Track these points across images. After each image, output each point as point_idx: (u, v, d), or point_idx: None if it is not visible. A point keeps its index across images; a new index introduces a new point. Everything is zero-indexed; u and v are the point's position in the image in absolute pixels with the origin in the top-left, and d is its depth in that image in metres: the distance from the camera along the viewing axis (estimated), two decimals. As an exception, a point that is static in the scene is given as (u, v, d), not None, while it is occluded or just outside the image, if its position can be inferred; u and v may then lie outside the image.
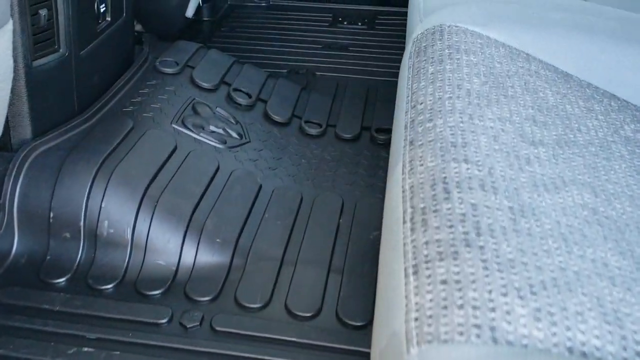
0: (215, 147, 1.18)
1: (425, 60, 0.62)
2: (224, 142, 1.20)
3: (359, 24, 1.89)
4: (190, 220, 1.00)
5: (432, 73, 0.59)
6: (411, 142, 0.50)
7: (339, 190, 1.17)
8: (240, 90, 1.35)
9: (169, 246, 0.98)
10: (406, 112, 0.55)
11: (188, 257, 0.98)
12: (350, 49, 1.75)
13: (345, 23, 1.89)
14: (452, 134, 0.48)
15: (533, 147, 0.49)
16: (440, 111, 0.52)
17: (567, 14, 0.73)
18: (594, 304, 0.35)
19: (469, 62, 0.60)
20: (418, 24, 0.74)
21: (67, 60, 1.05)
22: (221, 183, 1.10)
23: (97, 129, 1.09)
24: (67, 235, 0.98)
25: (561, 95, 0.59)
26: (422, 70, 0.60)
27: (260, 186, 1.13)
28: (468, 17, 0.69)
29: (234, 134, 1.24)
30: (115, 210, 0.98)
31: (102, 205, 0.98)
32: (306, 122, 1.35)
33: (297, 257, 1.00)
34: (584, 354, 0.30)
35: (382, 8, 1.98)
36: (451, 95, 0.54)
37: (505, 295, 0.34)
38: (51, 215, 0.98)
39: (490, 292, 0.34)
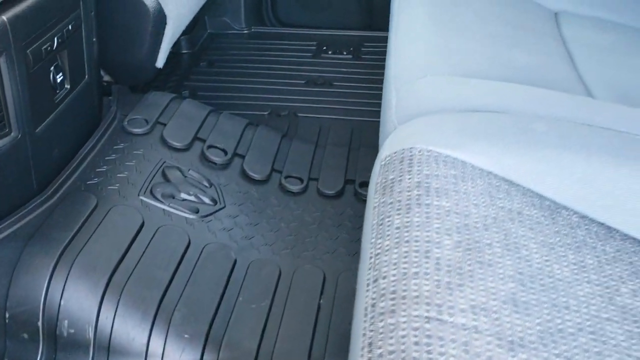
0: (186, 218, 1.11)
1: (391, 204, 0.54)
2: (196, 211, 1.13)
3: (344, 52, 1.81)
4: (156, 313, 0.93)
5: (397, 227, 0.51)
6: (370, 345, 0.43)
7: (319, 262, 1.10)
8: (216, 147, 1.28)
9: (134, 345, 0.92)
10: (368, 284, 0.48)
11: (155, 357, 0.91)
12: (335, 83, 1.67)
13: (329, 52, 1.81)
14: (416, 344, 0.41)
15: (512, 354, 0.42)
16: (404, 298, 0.45)
17: (554, 123, 0.65)
18: None
19: (439, 210, 0.52)
20: (392, 131, 0.67)
21: (21, 141, 0.98)
22: (192, 262, 1.03)
23: (57, 210, 1.02)
24: (25, 336, 0.92)
25: (548, 248, 0.52)
26: (386, 219, 0.53)
27: (235, 261, 1.06)
28: (441, 137, 0.61)
29: (207, 200, 1.16)
30: (75, 308, 0.92)
31: (62, 303, 0.92)
32: (286, 177, 1.28)
33: (274, 348, 0.93)
34: None
35: (367, 33, 1.90)
36: (417, 269, 0.47)
37: None
38: (7, 315, 0.91)
39: None
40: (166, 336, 0.92)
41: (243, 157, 1.29)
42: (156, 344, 0.92)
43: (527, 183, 0.58)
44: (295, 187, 1.26)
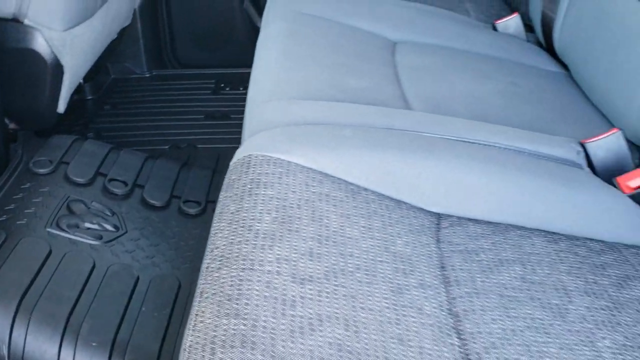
0: (90, 244, 1.23)
1: (230, 197, 0.71)
2: (100, 238, 1.25)
3: (241, 88, 1.98)
4: (65, 326, 1.05)
5: (232, 213, 0.68)
6: (201, 294, 0.59)
7: (215, 271, 1.24)
8: (117, 180, 1.41)
9: (46, 357, 1.03)
10: (205, 256, 0.64)
11: (66, 366, 1.02)
12: (232, 116, 1.84)
13: (227, 89, 1.97)
14: (231, 286, 0.57)
15: (301, 286, 0.59)
16: (228, 259, 0.61)
17: (359, 129, 0.84)
18: None
19: (265, 197, 0.69)
20: (243, 143, 0.84)
21: None
22: (97, 281, 1.15)
23: (-33, 246, 1.12)
24: (-58, 359, 1.01)
25: (345, 218, 0.70)
26: (225, 208, 0.69)
27: (138, 278, 1.19)
28: (273, 145, 0.78)
29: (110, 227, 1.29)
30: (-11, 329, 1.02)
31: (-25, 327, 1.02)
32: (185, 202, 1.42)
33: (174, 348, 1.06)
34: None
35: (261, 70, 2.08)
36: (241, 239, 0.63)
37: None
38: None
39: None
40: (75, 346, 1.04)
41: (143, 186, 1.42)
42: (66, 354, 1.03)
43: (337, 174, 0.76)
44: (193, 210, 1.41)
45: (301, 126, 0.85)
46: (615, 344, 0.61)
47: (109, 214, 1.32)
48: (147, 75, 2.06)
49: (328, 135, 0.82)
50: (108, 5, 1.58)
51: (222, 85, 2.01)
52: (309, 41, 1.18)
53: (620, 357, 0.60)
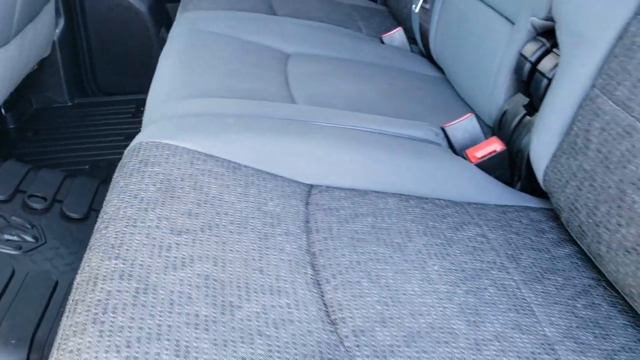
0: (10, 254, 1.29)
1: (120, 175, 0.81)
2: (19, 248, 1.32)
3: (160, 110, 2.07)
4: (-17, 328, 1.10)
5: (121, 186, 0.78)
6: (89, 248, 0.69)
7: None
8: (36, 196, 1.47)
9: (-36, 357, 1.08)
10: (96, 222, 0.74)
11: (-16, 363, 1.08)
12: (151, 136, 1.93)
13: (146, 111, 2.07)
14: (115, 238, 0.67)
15: (177, 236, 0.70)
16: (114, 219, 0.71)
17: (240, 118, 0.97)
18: (172, 348, 0.55)
19: (151, 174, 0.80)
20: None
21: None
22: (17, 286, 1.21)
23: None
24: None
25: (224, 187, 0.81)
26: (115, 185, 0.80)
27: (57, 283, 1.26)
28: (162, 133, 0.90)
29: (30, 238, 1.35)
30: None
31: None
32: (104, 213, 1.50)
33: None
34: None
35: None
36: (127, 204, 0.74)
37: (107, 352, 0.53)
38: None
39: (97, 352, 0.52)
40: (-6, 345, 1.10)
41: (62, 201, 1.49)
42: (-16, 353, 1.09)
43: (219, 154, 0.88)
44: (113, 220, 1.48)
45: (189, 117, 0.96)
46: (442, 268, 0.75)
47: (28, 226, 1.39)
48: (70, 104, 2.13)
49: (212, 124, 0.94)
50: (23, 35, 1.66)
51: (142, 109, 2.10)
52: (207, 53, 1.31)
53: (445, 277, 0.73)
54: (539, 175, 0.93)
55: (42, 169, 1.59)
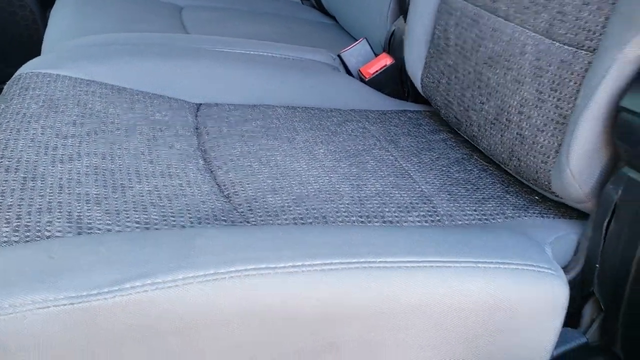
0: None
1: (1, 101, 0.80)
2: None
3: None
4: None
5: (2, 109, 0.77)
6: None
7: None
8: None
9: None
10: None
11: None
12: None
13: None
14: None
15: (63, 139, 0.70)
16: (4, 131, 0.70)
17: (128, 45, 0.98)
18: (64, 217, 0.56)
19: (33, 95, 0.79)
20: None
21: None
22: None
23: None
24: None
25: (109, 103, 0.82)
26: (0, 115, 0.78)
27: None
28: (45, 62, 0.89)
29: None
30: None
31: None
32: None
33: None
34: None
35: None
36: (9, 119, 0.73)
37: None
38: None
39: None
40: None
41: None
42: None
43: (102, 79, 0.88)
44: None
45: (71, 48, 0.96)
46: (328, 151, 0.80)
47: None
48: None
49: (96, 52, 0.94)
50: None
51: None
52: (100, 6, 1.30)
53: (330, 156, 0.79)
54: (418, 84, 1.00)
55: None
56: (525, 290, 0.58)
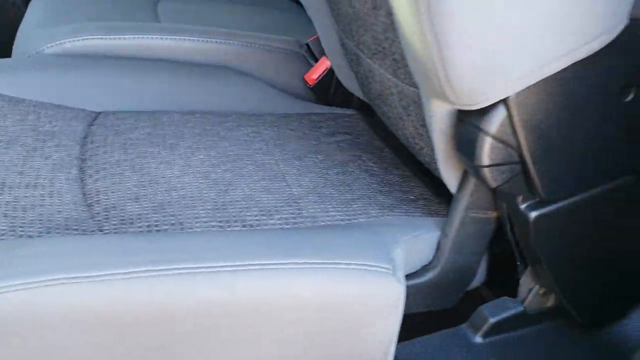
0: None
1: None
2: None
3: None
4: None
5: None
6: None
7: None
8: None
9: None
10: None
11: None
12: None
13: None
14: None
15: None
16: None
17: (34, 57, 1.00)
18: None
19: None
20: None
21: None
22: None
23: None
24: None
25: (1, 115, 0.84)
26: None
27: None
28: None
29: None
30: None
31: None
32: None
33: None
34: None
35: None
36: None
37: None
38: None
39: None
40: None
41: None
42: None
43: (2, 91, 0.91)
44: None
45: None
46: (207, 156, 0.82)
47: None
48: None
49: (2, 63, 0.96)
50: None
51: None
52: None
53: (208, 162, 0.80)
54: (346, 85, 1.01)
55: None
56: (357, 289, 0.60)
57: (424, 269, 0.74)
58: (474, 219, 0.71)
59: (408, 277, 0.73)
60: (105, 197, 0.71)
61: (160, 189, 0.73)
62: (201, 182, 0.75)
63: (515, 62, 0.54)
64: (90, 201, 0.70)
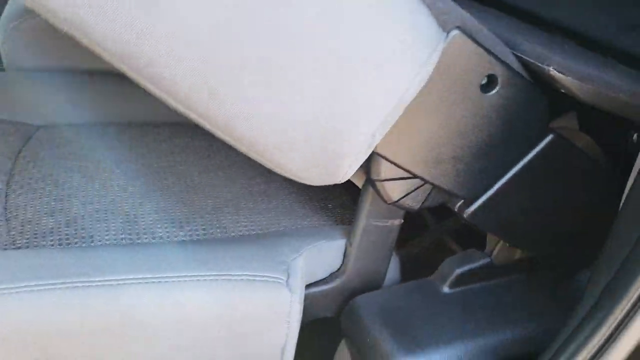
0: None
1: None
2: None
3: None
4: None
5: None
6: None
7: None
8: None
9: None
10: None
11: None
12: None
13: None
14: None
15: None
16: None
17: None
18: None
19: None
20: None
21: None
22: None
23: None
24: None
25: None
26: None
27: None
28: None
29: None
30: None
31: None
32: None
33: None
34: None
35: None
36: None
37: None
38: None
39: None
40: None
41: None
42: None
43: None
44: None
45: None
46: (129, 169, 0.85)
47: None
48: None
49: None
50: None
51: None
52: None
53: (130, 174, 0.84)
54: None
55: None
56: (247, 299, 0.63)
57: (333, 275, 0.77)
58: (377, 227, 0.73)
59: (316, 283, 0.76)
60: (23, 212, 0.74)
61: (77, 203, 0.76)
62: (117, 195, 0.78)
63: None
64: (10, 216, 0.73)
